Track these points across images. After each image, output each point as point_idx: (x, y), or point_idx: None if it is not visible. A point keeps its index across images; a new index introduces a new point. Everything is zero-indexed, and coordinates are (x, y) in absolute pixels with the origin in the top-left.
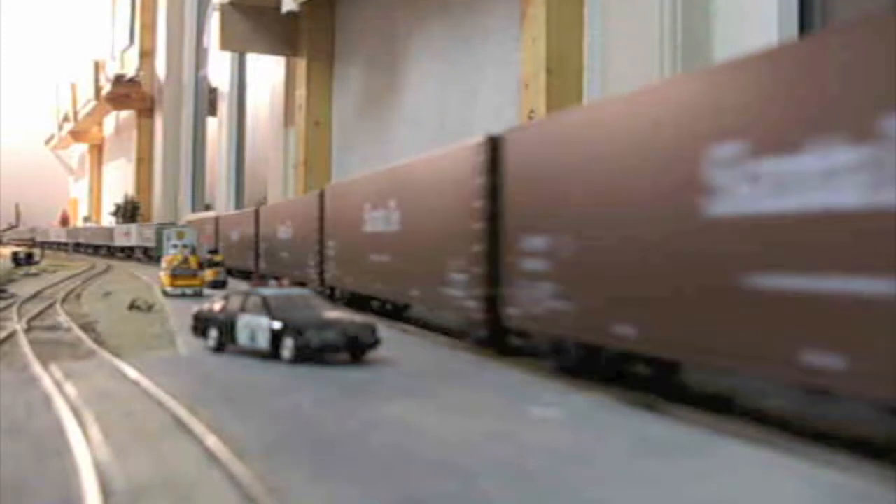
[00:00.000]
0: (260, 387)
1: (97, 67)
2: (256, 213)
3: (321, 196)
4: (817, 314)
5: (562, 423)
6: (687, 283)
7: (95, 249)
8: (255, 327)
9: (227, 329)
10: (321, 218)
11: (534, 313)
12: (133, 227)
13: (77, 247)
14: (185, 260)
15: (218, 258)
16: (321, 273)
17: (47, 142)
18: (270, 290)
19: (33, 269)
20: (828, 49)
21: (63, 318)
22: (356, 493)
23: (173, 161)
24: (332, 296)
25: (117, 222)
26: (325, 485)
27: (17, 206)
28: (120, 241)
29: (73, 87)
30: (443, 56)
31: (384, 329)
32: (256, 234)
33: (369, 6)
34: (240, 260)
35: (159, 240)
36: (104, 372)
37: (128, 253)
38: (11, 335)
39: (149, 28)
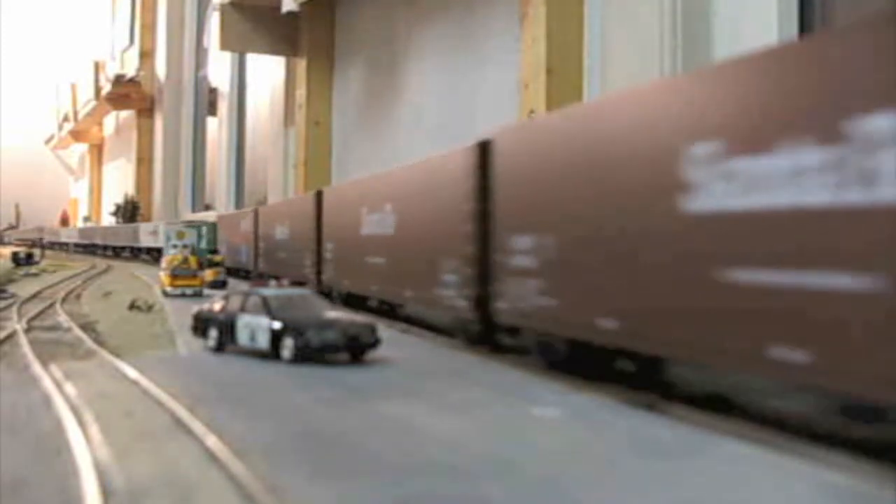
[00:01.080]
0: (260, 386)
1: (97, 67)
2: (318, 198)
3: (481, 153)
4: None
5: (562, 422)
6: None
7: (116, 252)
8: (255, 327)
9: (227, 329)
10: (482, 197)
11: None
12: (161, 225)
13: (89, 248)
14: (185, 260)
15: (218, 258)
16: (479, 296)
17: (47, 142)
18: (270, 290)
19: (33, 270)
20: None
21: (63, 318)
22: (356, 492)
23: (173, 161)
24: (502, 345)
25: (117, 222)
26: (325, 484)
27: (16, 206)
28: (147, 242)
29: (73, 87)
30: (443, 56)
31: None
32: (317, 231)
33: (369, 6)
34: (290, 267)
35: (194, 239)
36: (104, 372)
37: (155, 255)
38: (11, 335)
39: (149, 28)
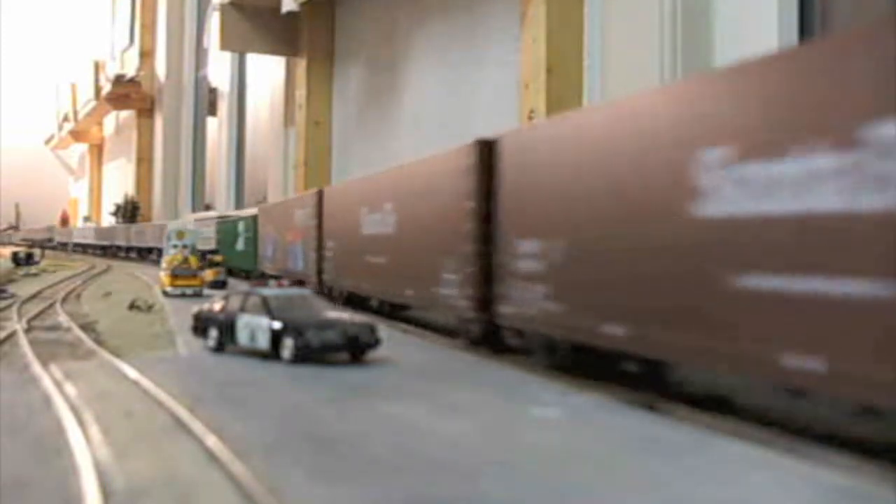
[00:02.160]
0: (260, 387)
1: (97, 67)
2: (482, 159)
3: None
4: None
5: (562, 423)
6: None
7: (141, 254)
8: (255, 327)
9: (227, 329)
10: None
11: None
12: (191, 223)
13: (109, 249)
14: (185, 260)
15: (217, 258)
16: None
17: (47, 142)
18: (270, 290)
19: (33, 270)
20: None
21: (63, 318)
22: (356, 493)
23: (173, 161)
24: None
25: (117, 222)
26: (325, 485)
27: (17, 206)
28: None
29: (73, 87)
30: (443, 56)
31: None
32: (481, 221)
33: (369, 6)
34: (398, 283)
35: (229, 239)
36: (104, 372)
37: None
38: (11, 335)
39: (149, 28)
